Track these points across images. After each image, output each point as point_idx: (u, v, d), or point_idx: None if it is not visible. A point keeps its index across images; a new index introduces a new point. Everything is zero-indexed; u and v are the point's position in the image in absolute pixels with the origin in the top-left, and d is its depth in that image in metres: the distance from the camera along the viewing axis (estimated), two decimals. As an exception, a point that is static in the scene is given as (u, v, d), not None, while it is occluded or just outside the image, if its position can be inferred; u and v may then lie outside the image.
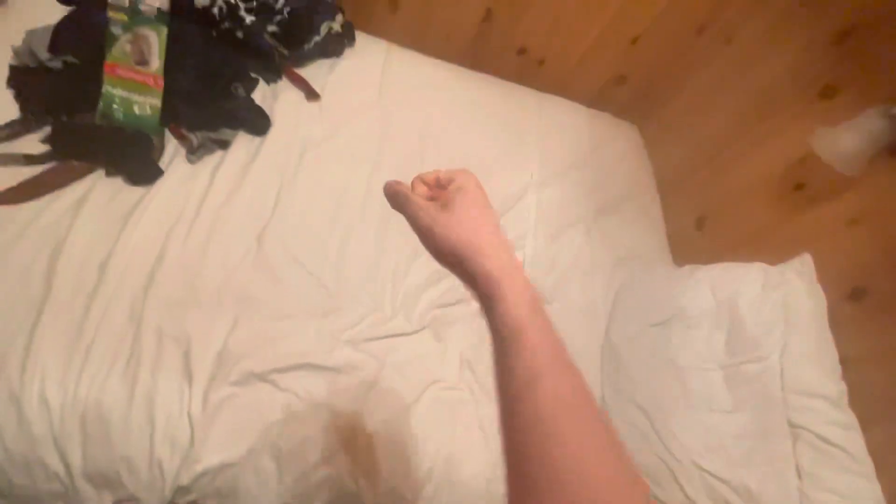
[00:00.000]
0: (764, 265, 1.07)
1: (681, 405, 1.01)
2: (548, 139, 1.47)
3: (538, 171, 1.37)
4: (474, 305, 1.14)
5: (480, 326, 1.07)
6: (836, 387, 0.90)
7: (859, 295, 0.95)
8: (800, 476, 0.87)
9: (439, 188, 0.45)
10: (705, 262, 1.18)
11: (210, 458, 0.79)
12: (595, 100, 1.64)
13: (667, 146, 1.56)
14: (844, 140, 0.92)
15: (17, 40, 0.96)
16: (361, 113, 1.26)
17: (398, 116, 1.30)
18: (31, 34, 0.95)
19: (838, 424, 0.87)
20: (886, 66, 0.97)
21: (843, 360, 0.92)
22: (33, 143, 0.93)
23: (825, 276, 0.99)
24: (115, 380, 0.79)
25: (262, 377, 0.87)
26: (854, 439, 0.85)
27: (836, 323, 0.94)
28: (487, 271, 0.37)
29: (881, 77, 0.97)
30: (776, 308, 1.00)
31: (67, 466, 0.76)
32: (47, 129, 0.94)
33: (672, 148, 1.53)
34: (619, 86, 1.61)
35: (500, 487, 0.91)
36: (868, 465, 0.82)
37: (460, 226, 0.39)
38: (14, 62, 0.95)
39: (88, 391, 0.77)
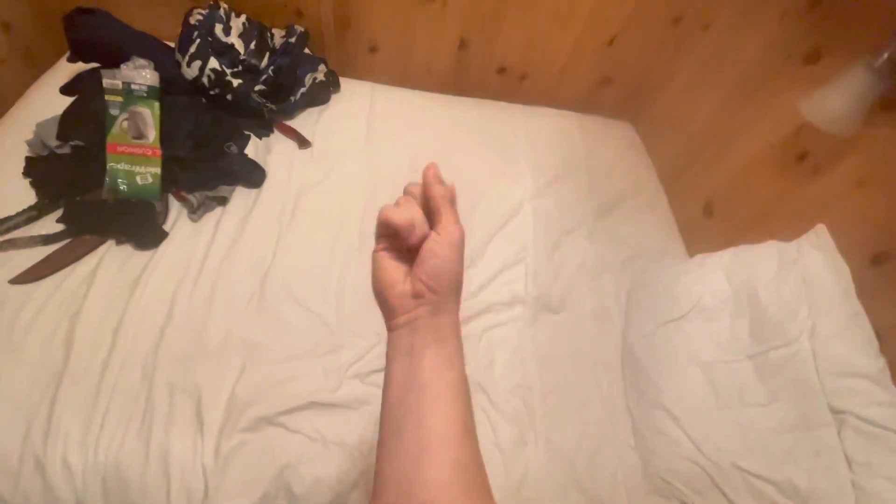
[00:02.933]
0: (777, 242, 1.01)
1: (711, 404, 0.95)
2: (538, 149, 1.47)
3: (531, 182, 1.37)
4: (477, 327, 1.10)
5: (489, 344, 1.05)
6: (875, 363, 0.83)
7: (883, 258, 0.88)
8: (850, 466, 0.79)
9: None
10: (719, 247, 1.12)
11: (225, 507, 0.79)
12: (585, 105, 1.64)
13: (664, 139, 1.53)
14: (833, 101, 0.88)
15: (29, 133, 1.06)
16: (352, 152, 1.31)
17: (387, 150, 1.33)
18: (40, 126, 1.05)
19: (884, 404, 0.79)
20: (864, 19, 0.93)
21: (878, 333, 0.84)
22: (50, 224, 1.01)
23: (844, 245, 0.92)
24: (132, 439, 0.82)
25: (271, 421, 0.88)
26: (903, 418, 0.77)
27: (864, 292, 0.87)
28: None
29: (861, 31, 0.93)
30: (797, 286, 0.93)
31: (92, 528, 0.78)
32: (61, 210, 1.02)
33: (669, 140, 1.50)
34: (606, 87, 1.61)
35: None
36: (924, 445, 0.74)
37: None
38: (29, 153, 1.05)
39: (107, 453, 0.80)
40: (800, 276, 0.94)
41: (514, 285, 1.14)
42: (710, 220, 1.29)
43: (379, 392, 0.94)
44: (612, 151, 1.52)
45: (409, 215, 0.39)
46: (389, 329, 0.41)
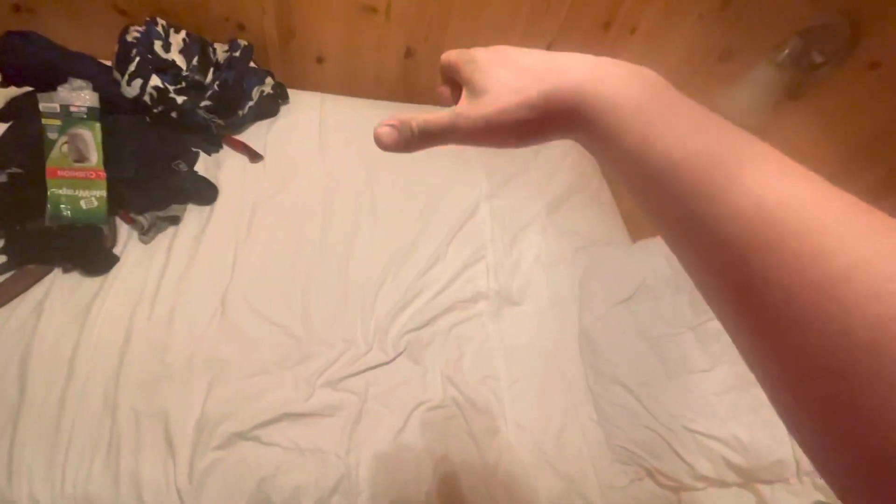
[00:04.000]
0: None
1: (660, 374, 1.03)
2: (489, 153, 1.53)
3: (486, 183, 1.43)
4: (445, 324, 1.15)
5: (456, 340, 1.09)
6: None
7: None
8: (783, 417, 0.88)
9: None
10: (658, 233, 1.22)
11: (204, 526, 0.79)
12: (529, 106, 1.72)
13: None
14: (744, 95, 0.99)
15: (-41, 164, 1.00)
16: (305, 164, 1.31)
17: (341, 160, 1.35)
18: (-29, 155, 1.00)
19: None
20: (767, 20, 1.05)
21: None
22: (-12, 257, 0.96)
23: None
24: (99, 468, 0.80)
25: (244, 436, 0.87)
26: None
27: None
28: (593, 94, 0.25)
29: (765, 31, 1.05)
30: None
31: (63, 566, 0.75)
32: (1, 241, 0.97)
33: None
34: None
35: (500, 493, 0.91)
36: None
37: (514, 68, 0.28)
38: (-40, 184, 0.99)
39: (74, 486, 0.78)
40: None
41: (476, 282, 1.19)
42: (649, 208, 1.39)
43: (352, 398, 0.97)
44: (557, 150, 1.61)
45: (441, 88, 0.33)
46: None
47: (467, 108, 0.28)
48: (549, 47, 1.55)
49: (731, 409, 0.95)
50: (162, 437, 0.84)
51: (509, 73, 0.28)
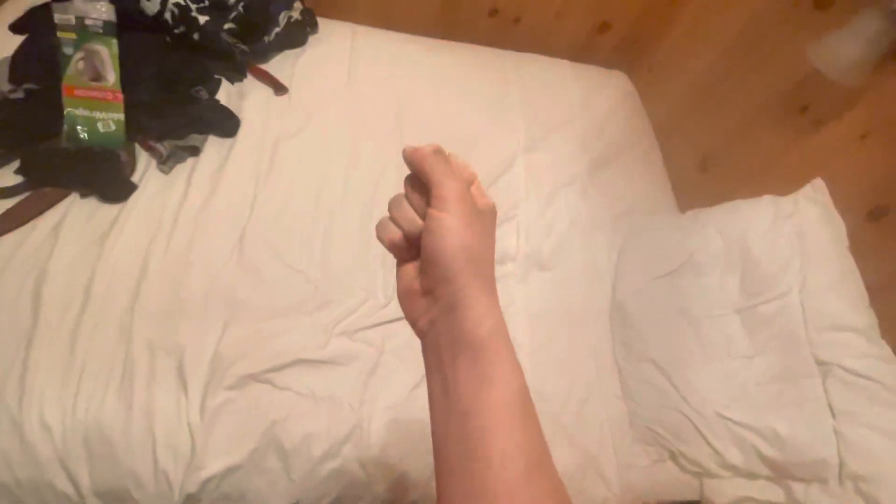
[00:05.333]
0: (773, 197, 1.00)
1: (697, 356, 0.96)
2: (532, 100, 1.40)
3: (524, 134, 1.32)
4: None
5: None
6: (864, 317, 0.83)
7: (879, 214, 0.87)
8: (833, 414, 0.81)
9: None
10: (713, 204, 1.11)
11: (214, 464, 0.78)
12: (580, 53, 1.56)
13: (660, 89, 1.47)
14: (843, 48, 0.84)
15: (-25, 75, 0.96)
16: (332, 100, 1.22)
17: (371, 98, 1.25)
18: (-11, 67, 0.95)
19: (870, 356, 0.81)
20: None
21: (871, 288, 0.85)
22: (7, 176, 0.93)
23: (841, 200, 0.91)
24: (112, 398, 0.79)
25: (257, 378, 0.86)
26: (888, 370, 0.79)
27: (858, 248, 0.87)
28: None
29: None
30: (791, 240, 0.93)
31: (76, 486, 0.76)
32: (18, 161, 0.93)
33: (666, 90, 1.45)
34: (602, 34, 1.53)
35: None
36: (905, 396, 0.76)
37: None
38: (-24, 98, 0.95)
39: (87, 412, 0.78)
40: (794, 230, 0.93)
41: (504, 242, 1.11)
42: (704, 177, 1.26)
43: (368, 349, 0.93)
44: (607, 103, 1.46)
45: (389, 235, 0.33)
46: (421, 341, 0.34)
47: (430, 216, 0.31)
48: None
49: (772, 399, 0.87)
50: (175, 372, 0.83)
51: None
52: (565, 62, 1.53)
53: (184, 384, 0.82)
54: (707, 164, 1.27)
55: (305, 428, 0.83)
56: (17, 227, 0.90)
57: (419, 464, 0.86)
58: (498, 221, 1.16)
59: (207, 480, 0.78)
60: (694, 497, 0.95)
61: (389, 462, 0.85)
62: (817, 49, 0.89)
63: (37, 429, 0.75)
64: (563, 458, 0.90)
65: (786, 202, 0.96)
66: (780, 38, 1.08)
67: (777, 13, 1.09)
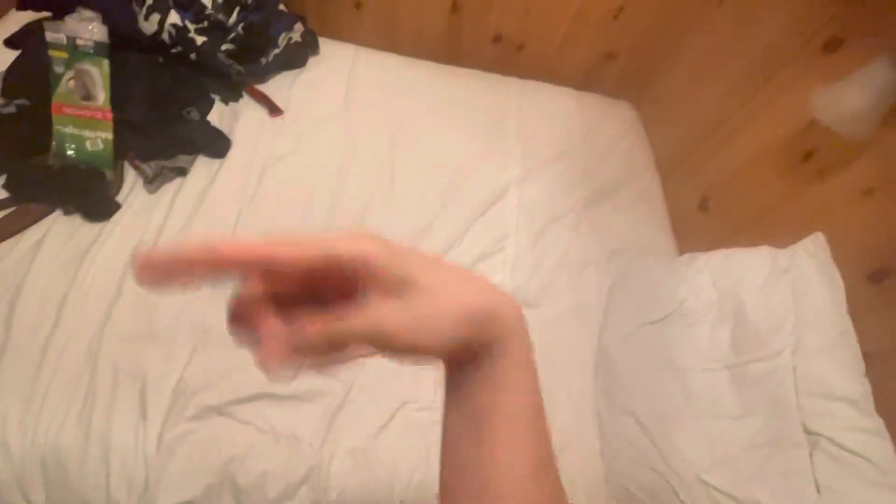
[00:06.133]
0: (770, 248, 0.94)
1: (682, 413, 0.90)
2: (531, 128, 1.37)
3: (519, 164, 1.29)
4: None
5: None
6: (857, 387, 0.78)
7: (881, 276, 0.81)
8: (818, 490, 0.75)
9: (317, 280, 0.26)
10: (712, 245, 1.06)
11: (166, 498, 0.77)
12: (584, 81, 1.53)
13: (665, 123, 1.43)
14: (849, 98, 0.79)
15: (-31, 90, 0.98)
16: (326, 124, 1.22)
17: (366, 123, 1.25)
18: (-18, 82, 0.97)
19: (861, 430, 0.75)
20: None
21: (867, 355, 0.79)
22: (-5, 190, 0.95)
23: (841, 257, 0.86)
24: (72, 422, 0.79)
25: (219, 410, 0.84)
26: (880, 447, 0.73)
27: (857, 311, 0.81)
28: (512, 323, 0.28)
29: (891, 17, 0.83)
30: (786, 297, 0.87)
31: (31, 511, 0.75)
32: (4, 176, 0.95)
33: (671, 124, 1.40)
34: (608, 63, 1.49)
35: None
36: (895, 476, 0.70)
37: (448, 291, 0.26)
38: (-31, 111, 0.97)
39: (46, 435, 0.77)
40: (790, 287, 0.87)
41: (492, 276, 1.08)
42: (704, 216, 1.21)
43: (336, 384, 0.91)
44: (610, 133, 1.43)
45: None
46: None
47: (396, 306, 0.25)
48: (616, 15, 1.35)
49: (757, 467, 0.81)
50: (137, 399, 0.82)
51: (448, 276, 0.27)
52: (569, 90, 1.51)
53: (143, 412, 0.81)
54: (707, 203, 1.22)
55: (263, 466, 0.81)
56: (0, 241, 0.91)
57: (378, 509, 0.83)
58: (485, 253, 1.11)
59: (158, 515, 0.76)
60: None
61: (348, 506, 0.82)
62: (821, 96, 0.85)
63: (-3, 450, 0.75)
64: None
65: (783, 255, 0.91)
66: (787, 79, 1.04)
67: (786, 52, 1.04)
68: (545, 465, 0.29)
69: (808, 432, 0.78)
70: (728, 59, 1.21)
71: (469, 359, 0.28)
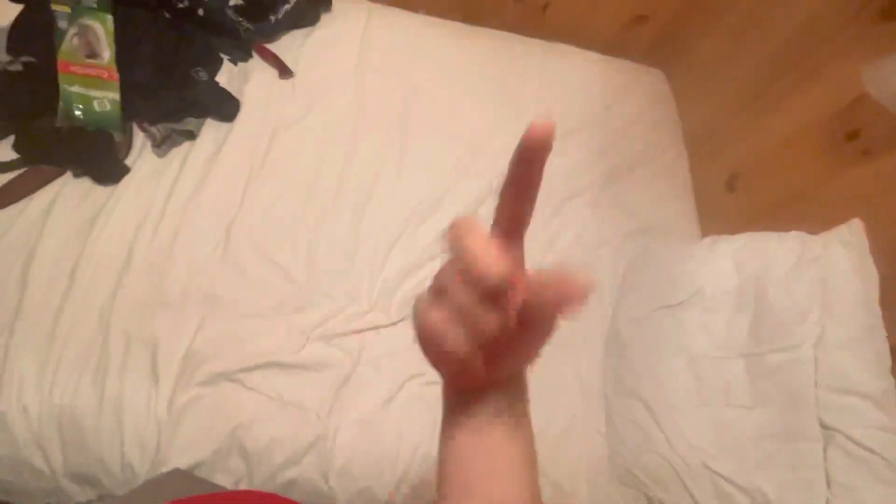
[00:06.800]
0: (802, 234, 0.89)
1: (692, 400, 0.89)
2: (552, 96, 1.30)
3: (539, 135, 1.23)
4: None
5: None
6: (880, 383, 0.74)
7: (920, 270, 0.76)
8: (829, 486, 0.74)
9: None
10: (737, 228, 1.01)
11: (178, 459, 0.79)
12: (612, 45, 1.43)
13: (697, 93, 1.34)
14: (907, 73, 0.72)
15: (-26, 46, 0.95)
16: (338, 87, 1.17)
17: (379, 87, 1.19)
18: (-12, 38, 0.94)
19: (880, 428, 0.72)
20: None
21: (893, 351, 0.75)
22: (4, 150, 0.94)
23: (879, 246, 0.80)
24: (86, 385, 0.81)
25: (228, 377, 0.85)
26: (899, 447, 0.70)
27: (889, 302, 0.77)
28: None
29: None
30: (813, 287, 0.83)
31: (51, 466, 0.79)
32: (13, 137, 0.94)
33: (703, 94, 1.32)
34: (638, 26, 1.39)
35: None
36: (914, 480, 0.68)
37: None
38: (-24, 69, 0.95)
39: (62, 398, 0.79)
40: (819, 276, 0.83)
41: (501, 253, 1.05)
42: (732, 196, 1.15)
43: (344, 357, 0.91)
44: (637, 103, 1.35)
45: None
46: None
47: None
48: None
49: (766, 458, 0.80)
50: (148, 365, 0.83)
51: None
52: (596, 55, 1.41)
53: (156, 377, 0.83)
54: (736, 183, 1.15)
55: (270, 433, 0.83)
56: (10, 203, 0.91)
57: (382, 480, 0.85)
58: None
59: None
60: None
61: (352, 475, 0.84)
62: (874, 69, 0.77)
63: (15, 411, 0.77)
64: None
65: (815, 242, 0.86)
66: (836, 48, 0.95)
67: (837, 18, 0.95)
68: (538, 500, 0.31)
69: (823, 427, 0.76)
70: (770, 25, 1.11)
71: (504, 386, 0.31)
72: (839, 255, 0.83)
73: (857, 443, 0.72)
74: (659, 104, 1.38)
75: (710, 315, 0.93)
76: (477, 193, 1.11)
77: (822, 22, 0.97)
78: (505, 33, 1.39)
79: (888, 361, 0.76)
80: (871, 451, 0.70)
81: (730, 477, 0.81)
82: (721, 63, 1.27)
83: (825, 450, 0.75)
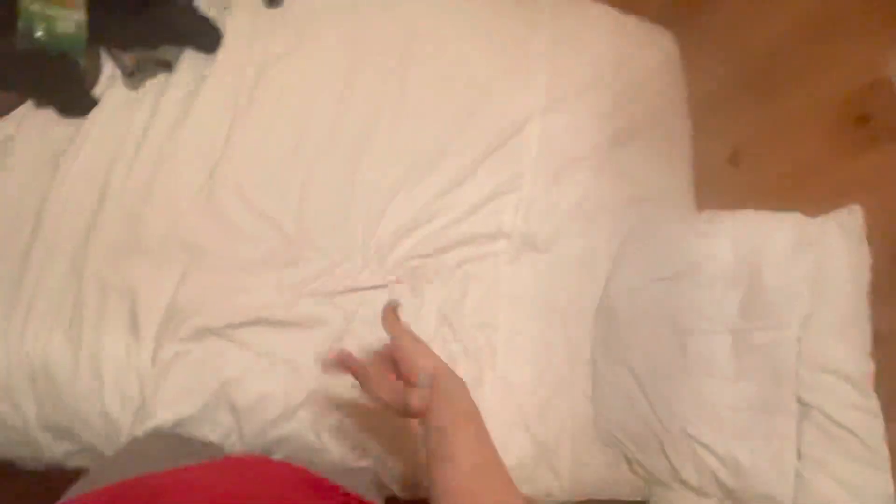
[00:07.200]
0: (800, 216, 0.90)
1: (678, 370, 0.91)
2: (561, 51, 1.22)
3: (544, 92, 1.17)
4: (454, 258, 1.00)
5: (463, 278, 0.98)
6: (860, 365, 0.78)
7: (913, 259, 0.78)
8: (800, 457, 0.78)
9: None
10: (736, 205, 1.00)
11: (163, 413, 0.77)
12: (627, 1, 1.35)
13: (707, 59, 1.29)
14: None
15: None
16: (331, 21, 1.06)
17: (376, 25, 1.09)
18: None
19: (856, 407, 0.76)
20: None
21: (879, 335, 0.78)
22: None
23: (876, 234, 0.82)
24: (60, 336, 0.76)
25: (216, 332, 0.82)
26: (871, 426, 0.75)
27: (878, 290, 0.79)
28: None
29: None
30: (807, 269, 0.84)
31: (23, 418, 0.75)
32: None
33: (713, 62, 1.27)
34: (656, -20, 1.31)
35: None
36: (882, 457, 0.73)
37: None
38: None
39: (33, 348, 0.75)
40: (814, 260, 0.84)
41: (501, 216, 1.02)
42: (734, 171, 1.14)
43: (337, 315, 0.88)
44: (646, 65, 1.28)
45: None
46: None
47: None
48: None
49: (742, 428, 0.84)
50: (127, 317, 0.79)
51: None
52: (609, 10, 1.33)
53: (136, 330, 0.78)
54: (739, 157, 1.14)
55: (260, 388, 0.81)
56: (-38, 132, 0.81)
57: (376, 435, 0.85)
58: (498, 191, 1.13)
59: (156, 429, 0.77)
60: (640, 498, 0.96)
61: (345, 430, 0.84)
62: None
63: (-20, 358, 0.72)
64: (518, 447, 0.90)
65: (813, 225, 0.86)
66: (857, 30, 0.91)
67: (861, 1, 0.91)
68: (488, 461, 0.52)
69: (801, 403, 0.80)
70: (794, -5, 1.06)
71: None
72: (836, 239, 0.84)
73: (832, 420, 0.76)
74: (667, 68, 1.32)
75: (702, 290, 0.94)
76: (477, 152, 1.06)
77: (845, 2, 0.93)
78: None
79: (869, 346, 0.79)
80: (846, 429, 0.74)
81: (707, 443, 0.85)
82: (734, 32, 1.22)
83: (799, 423, 0.79)
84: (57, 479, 0.61)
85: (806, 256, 0.85)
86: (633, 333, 0.97)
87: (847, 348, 0.79)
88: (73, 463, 0.79)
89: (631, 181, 1.14)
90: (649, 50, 1.32)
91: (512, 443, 0.90)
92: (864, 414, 0.75)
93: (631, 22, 1.33)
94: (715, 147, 1.19)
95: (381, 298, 0.92)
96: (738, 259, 0.92)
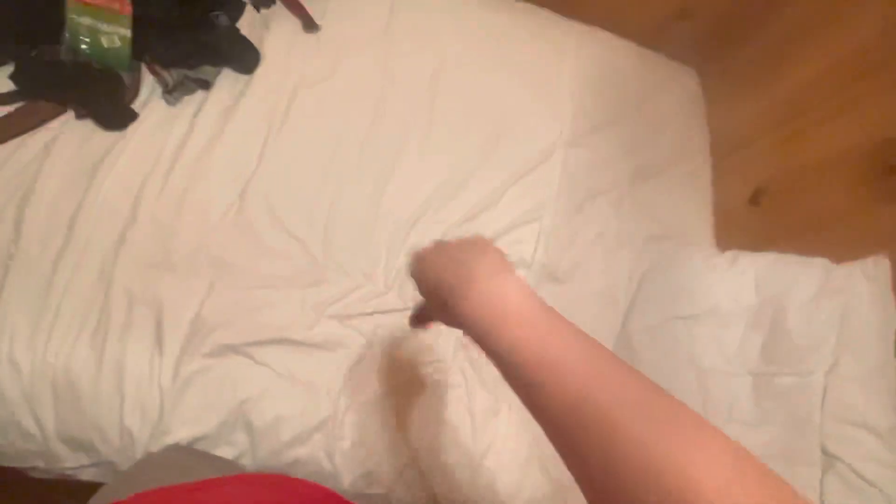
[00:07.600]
0: (826, 262, 0.89)
1: (697, 411, 0.90)
2: (587, 83, 1.25)
3: (570, 124, 1.19)
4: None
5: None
6: (888, 419, 0.77)
7: (942, 315, 0.77)
8: (823, 511, 0.77)
9: None
10: (755, 246, 1.01)
11: (179, 430, 0.76)
12: (651, 37, 1.38)
13: (730, 99, 1.31)
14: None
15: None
16: (365, 48, 1.09)
17: (408, 52, 1.12)
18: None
19: (881, 462, 0.75)
20: None
21: (904, 389, 0.77)
22: (2, 81, 0.85)
23: (902, 286, 0.81)
24: (84, 345, 0.76)
25: (237, 350, 0.82)
26: (897, 482, 0.73)
27: (905, 343, 0.78)
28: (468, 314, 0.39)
29: None
30: (832, 316, 0.84)
31: (42, 428, 0.75)
32: (12, 66, 0.84)
33: (737, 102, 1.29)
34: (680, 21, 1.33)
35: (484, 478, 0.86)
36: (908, 515, 0.71)
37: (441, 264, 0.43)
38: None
39: (57, 356, 0.75)
40: (839, 308, 0.84)
41: (523, 246, 1.03)
42: (754, 211, 1.14)
43: (358, 337, 0.88)
44: (669, 101, 1.31)
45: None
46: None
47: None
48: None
49: (762, 476, 0.83)
50: (152, 330, 0.79)
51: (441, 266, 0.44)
52: (632, 45, 1.36)
53: (160, 343, 0.79)
54: (761, 198, 1.14)
55: (278, 410, 0.80)
56: (6, 139, 0.83)
57: (388, 463, 0.84)
58: (521, 221, 1.13)
59: (172, 446, 0.76)
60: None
61: (358, 457, 0.83)
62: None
63: (6, 365, 0.73)
64: (533, 483, 0.88)
65: (839, 272, 0.86)
66: (889, 76, 0.93)
67: (891, 50, 0.92)
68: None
69: (825, 453, 0.78)
70: (821, 40, 1.08)
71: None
72: (862, 288, 0.84)
73: (857, 473, 0.74)
74: (689, 106, 1.35)
75: (723, 330, 0.93)
76: (501, 181, 1.07)
77: (880, 45, 0.94)
78: (544, 11, 1.32)
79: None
80: (871, 483, 0.73)
81: (725, 490, 0.84)
82: (760, 73, 1.23)
83: (823, 475, 0.78)
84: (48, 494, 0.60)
85: (831, 303, 0.84)
86: (651, 372, 0.94)
87: (873, 400, 0.78)
88: (86, 476, 0.78)
89: (651, 217, 1.15)
90: (672, 86, 1.34)
91: (526, 480, 0.88)
92: (890, 469, 0.74)
93: (654, 58, 1.36)
94: (736, 187, 1.20)
95: (401, 323, 0.93)
96: (761, 300, 0.91)
